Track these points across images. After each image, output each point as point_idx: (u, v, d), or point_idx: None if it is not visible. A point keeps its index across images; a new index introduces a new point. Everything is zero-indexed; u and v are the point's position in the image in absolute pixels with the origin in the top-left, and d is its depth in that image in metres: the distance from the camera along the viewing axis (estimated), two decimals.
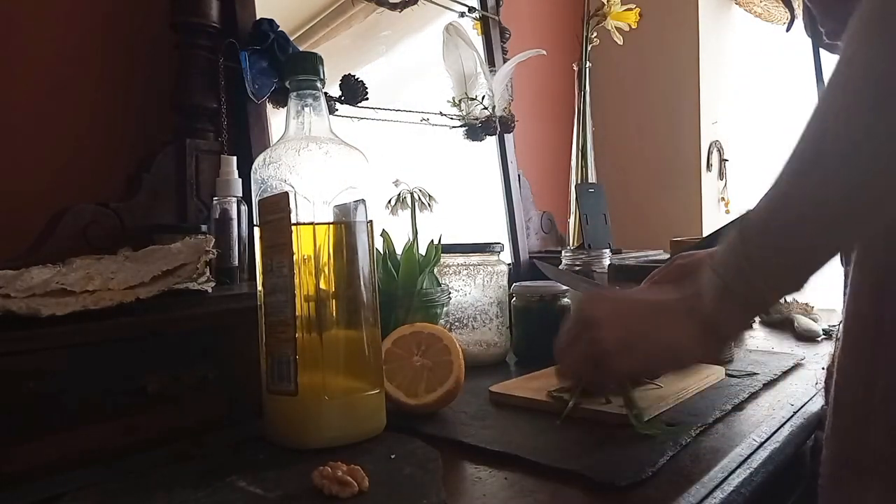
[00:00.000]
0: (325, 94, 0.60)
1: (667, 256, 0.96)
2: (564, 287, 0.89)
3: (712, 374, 0.72)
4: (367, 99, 0.94)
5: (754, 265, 0.45)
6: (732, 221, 0.48)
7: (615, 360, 0.52)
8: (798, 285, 0.45)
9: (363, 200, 0.57)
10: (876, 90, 0.38)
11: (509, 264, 0.99)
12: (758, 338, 1.01)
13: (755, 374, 0.75)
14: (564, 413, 0.60)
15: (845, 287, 0.52)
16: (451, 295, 0.82)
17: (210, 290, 0.66)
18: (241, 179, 0.78)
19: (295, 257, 0.53)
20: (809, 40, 0.62)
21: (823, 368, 0.61)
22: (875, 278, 0.48)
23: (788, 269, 0.45)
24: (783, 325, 1.09)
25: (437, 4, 1.14)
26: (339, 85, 0.93)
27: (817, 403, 0.66)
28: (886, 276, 0.47)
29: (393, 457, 0.51)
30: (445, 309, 0.81)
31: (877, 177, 0.39)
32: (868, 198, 0.40)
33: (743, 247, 0.45)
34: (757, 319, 1.14)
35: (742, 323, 0.49)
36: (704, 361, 0.56)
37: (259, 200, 0.56)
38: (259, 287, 0.56)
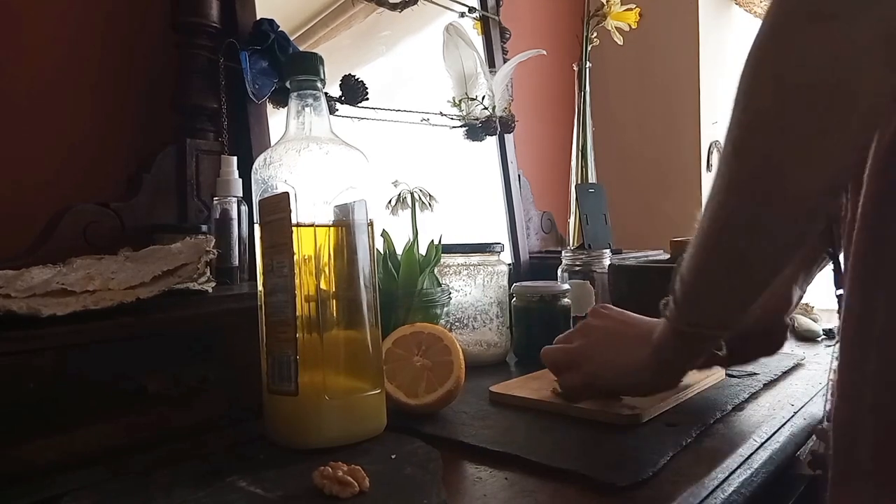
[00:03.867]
0: (326, 94, 0.60)
1: (667, 256, 0.96)
2: (564, 287, 0.89)
3: (712, 374, 0.72)
4: (367, 99, 0.94)
5: (683, 308, 0.50)
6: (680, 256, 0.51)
7: (581, 367, 0.61)
8: (731, 323, 0.50)
9: (364, 200, 0.57)
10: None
11: (509, 264, 0.99)
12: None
13: (755, 374, 0.75)
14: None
15: (840, 297, 0.52)
16: (451, 295, 0.82)
17: (210, 291, 0.66)
18: (241, 179, 0.78)
19: (295, 257, 0.53)
20: None
21: (831, 380, 0.60)
22: (866, 285, 0.46)
23: (713, 311, 0.50)
24: None
25: (437, 4, 1.14)
26: (340, 85, 0.93)
27: (818, 404, 0.66)
28: (876, 285, 0.45)
29: (393, 457, 0.51)
30: (446, 309, 0.81)
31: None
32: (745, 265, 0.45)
33: (676, 290, 0.50)
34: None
35: (688, 356, 0.54)
36: (659, 390, 0.60)
37: (259, 200, 0.56)
38: (260, 287, 0.56)
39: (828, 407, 0.59)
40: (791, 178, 0.41)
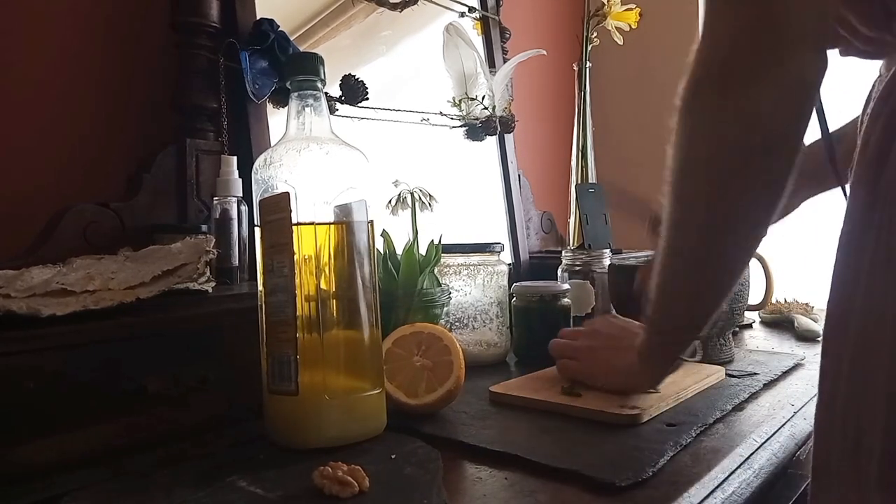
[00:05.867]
0: (326, 94, 0.60)
1: None
2: (564, 287, 0.89)
3: (712, 374, 0.72)
4: (367, 99, 0.94)
5: (653, 320, 0.57)
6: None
7: (583, 367, 0.68)
8: (696, 332, 0.55)
9: (364, 200, 0.57)
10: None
11: (509, 264, 0.99)
12: (758, 338, 1.01)
13: (755, 374, 0.75)
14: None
15: None
16: (451, 295, 0.82)
17: (210, 290, 0.66)
18: (241, 179, 0.78)
19: (296, 257, 0.53)
20: None
21: None
22: (844, 277, 0.48)
23: (679, 322, 0.56)
24: (783, 325, 1.09)
25: (437, 4, 1.14)
26: (340, 85, 0.93)
27: None
28: (855, 274, 0.47)
29: (393, 457, 0.51)
30: (446, 309, 0.81)
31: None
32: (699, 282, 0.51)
33: (648, 304, 0.55)
34: (757, 319, 1.14)
35: (664, 360, 0.61)
36: (645, 389, 0.65)
37: (260, 200, 0.56)
38: (260, 287, 0.56)
39: None
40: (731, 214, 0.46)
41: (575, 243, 1.20)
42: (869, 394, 0.43)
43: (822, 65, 0.41)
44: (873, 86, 0.52)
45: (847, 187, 0.50)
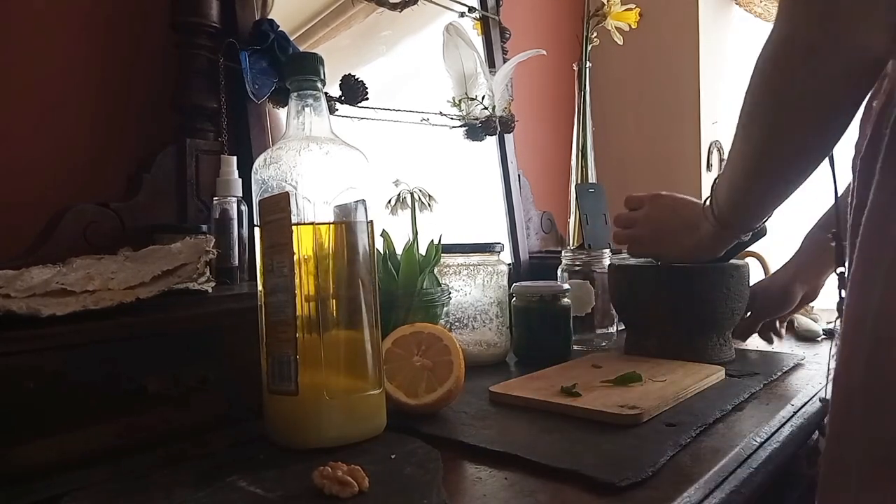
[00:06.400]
0: (326, 94, 0.60)
1: None
2: (564, 287, 0.89)
3: (712, 374, 0.73)
4: (367, 99, 0.94)
5: (721, 211, 0.71)
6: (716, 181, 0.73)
7: (644, 245, 0.85)
8: (756, 220, 0.71)
9: (363, 200, 0.57)
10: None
11: (509, 264, 0.99)
12: (758, 338, 1.01)
13: (755, 374, 0.75)
14: None
15: (841, 275, 0.58)
16: (451, 295, 0.82)
17: (210, 290, 0.66)
18: (241, 179, 0.78)
19: (295, 257, 0.53)
20: None
21: (831, 369, 0.64)
22: (864, 276, 0.49)
23: (744, 219, 0.71)
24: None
25: (437, 4, 1.14)
26: (339, 85, 0.92)
27: (818, 403, 0.66)
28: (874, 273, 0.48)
29: (393, 457, 0.51)
30: (446, 309, 0.81)
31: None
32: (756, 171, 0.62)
33: (717, 204, 0.71)
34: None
35: (720, 245, 0.77)
36: (706, 259, 0.80)
37: (259, 200, 0.56)
38: (259, 287, 0.56)
39: (821, 394, 0.66)
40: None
41: (575, 243, 1.19)
42: (887, 395, 0.44)
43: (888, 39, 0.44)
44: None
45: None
